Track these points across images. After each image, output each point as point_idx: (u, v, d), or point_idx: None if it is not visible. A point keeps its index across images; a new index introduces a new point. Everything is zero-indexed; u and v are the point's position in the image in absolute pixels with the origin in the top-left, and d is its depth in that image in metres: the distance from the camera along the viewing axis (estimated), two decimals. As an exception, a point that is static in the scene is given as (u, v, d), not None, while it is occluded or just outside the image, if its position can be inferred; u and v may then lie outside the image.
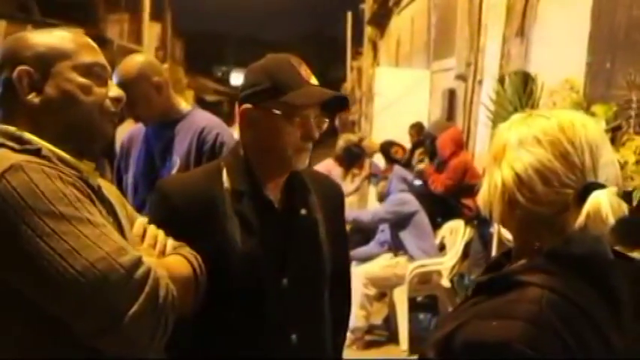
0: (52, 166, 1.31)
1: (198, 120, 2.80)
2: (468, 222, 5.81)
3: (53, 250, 1.21)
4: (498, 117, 4.58)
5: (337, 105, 1.80)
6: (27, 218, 1.22)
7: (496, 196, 1.30)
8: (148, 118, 2.78)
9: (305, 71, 1.74)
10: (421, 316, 5.87)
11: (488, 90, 6.11)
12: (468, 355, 1.20)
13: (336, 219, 1.93)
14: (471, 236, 5.78)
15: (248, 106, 1.73)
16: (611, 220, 1.19)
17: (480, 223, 5.54)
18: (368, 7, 19.90)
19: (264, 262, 1.71)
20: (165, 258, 1.50)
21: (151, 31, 20.98)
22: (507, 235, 3.66)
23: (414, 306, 5.56)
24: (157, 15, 21.94)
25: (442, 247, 5.93)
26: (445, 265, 5.54)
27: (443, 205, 6.22)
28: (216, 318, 1.71)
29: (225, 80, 44.33)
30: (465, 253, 5.73)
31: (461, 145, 6.32)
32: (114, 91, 1.49)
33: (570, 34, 4.20)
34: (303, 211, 1.80)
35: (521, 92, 4.26)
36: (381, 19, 16.99)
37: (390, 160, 7.44)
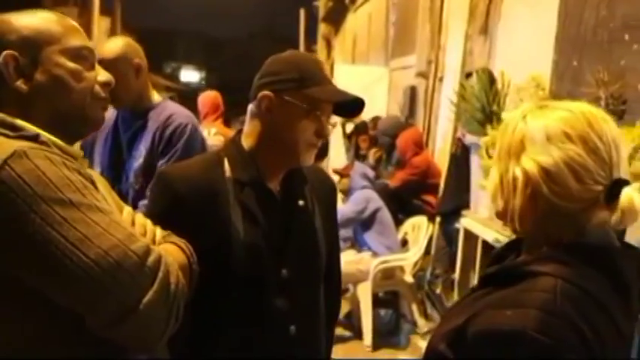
0: (55, 153, 1.28)
1: (168, 109, 2.78)
2: (430, 218, 5.89)
3: (65, 238, 1.18)
4: (464, 113, 4.65)
5: (350, 109, 1.79)
6: (35, 206, 1.17)
7: (517, 189, 1.28)
8: (123, 101, 2.74)
9: (327, 71, 1.76)
10: (382, 312, 5.91)
11: (449, 87, 6.21)
12: (482, 344, 1.20)
13: (329, 212, 1.93)
14: (432, 232, 5.86)
15: (269, 93, 1.72)
16: None
17: (443, 219, 5.61)
18: (322, 4, 19.91)
19: (266, 252, 1.71)
20: (160, 246, 1.46)
21: (101, 26, 20.57)
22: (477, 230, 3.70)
23: (375, 302, 5.60)
24: (106, 10, 21.53)
25: (404, 243, 5.99)
26: (408, 260, 5.60)
27: (404, 201, 6.28)
28: (217, 308, 1.70)
29: (175, 77, 43.71)
30: (426, 250, 5.80)
31: (421, 145, 6.39)
32: (103, 75, 1.46)
33: (536, 32, 4.28)
34: (301, 202, 1.80)
35: (488, 89, 4.32)
36: (336, 17, 17.05)
37: (356, 147, 7.51)
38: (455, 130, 5.82)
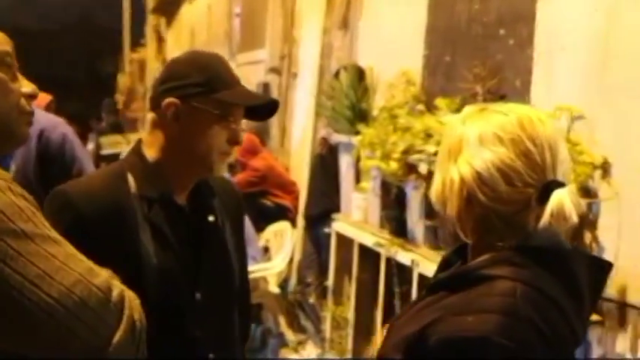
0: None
1: (36, 119, 2.62)
2: (292, 224, 5.93)
3: (21, 275, 1.08)
4: (331, 111, 4.74)
5: (262, 111, 1.79)
6: None
7: (453, 192, 1.35)
8: None
9: (235, 72, 1.72)
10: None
11: (305, 84, 6.28)
12: (446, 351, 1.25)
13: (238, 227, 1.90)
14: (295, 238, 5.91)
15: (174, 100, 1.65)
16: (575, 218, 1.29)
17: (310, 223, 5.67)
18: (151, -6, 19.44)
19: (179, 274, 1.64)
20: None
21: None
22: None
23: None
24: None
25: (265, 251, 5.99)
26: (274, 270, 5.61)
27: (262, 206, 6.28)
28: None
29: (-24, 73, 40.69)
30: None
31: (254, 150, 6.41)
32: (27, 86, 1.35)
33: (404, 26, 4.43)
34: (211, 218, 1.75)
35: (357, 86, 4.43)
36: (169, 7, 16.70)
37: None
38: (315, 129, 5.90)
